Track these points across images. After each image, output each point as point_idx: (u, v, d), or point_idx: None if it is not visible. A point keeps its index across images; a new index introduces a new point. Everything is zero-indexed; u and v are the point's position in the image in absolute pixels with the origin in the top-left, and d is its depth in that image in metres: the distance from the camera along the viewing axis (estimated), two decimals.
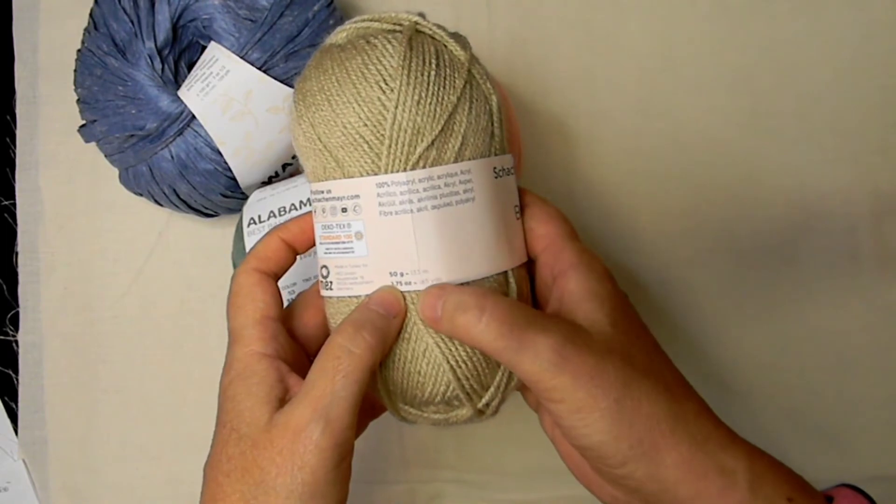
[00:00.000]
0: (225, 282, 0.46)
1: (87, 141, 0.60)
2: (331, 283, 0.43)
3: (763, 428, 0.62)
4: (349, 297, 0.43)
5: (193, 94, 0.56)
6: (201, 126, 0.56)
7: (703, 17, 0.64)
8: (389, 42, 0.42)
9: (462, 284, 0.42)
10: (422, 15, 0.44)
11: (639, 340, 0.43)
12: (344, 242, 0.42)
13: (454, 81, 0.42)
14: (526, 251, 0.45)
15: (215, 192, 0.58)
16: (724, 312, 0.63)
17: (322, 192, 0.43)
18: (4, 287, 0.66)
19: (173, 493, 0.64)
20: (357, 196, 0.41)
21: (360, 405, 0.40)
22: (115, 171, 0.61)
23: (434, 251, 0.41)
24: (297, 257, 0.47)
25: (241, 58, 0.56)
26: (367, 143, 0.41)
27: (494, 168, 0.43)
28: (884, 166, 0.62)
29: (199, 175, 0.57)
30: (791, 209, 0.62)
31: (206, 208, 0.60)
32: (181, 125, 0.56)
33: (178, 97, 0.56)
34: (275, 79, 0.56)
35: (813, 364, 0.62)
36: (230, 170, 0.57)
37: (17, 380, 0.66)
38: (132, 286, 0.65)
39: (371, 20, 0.44)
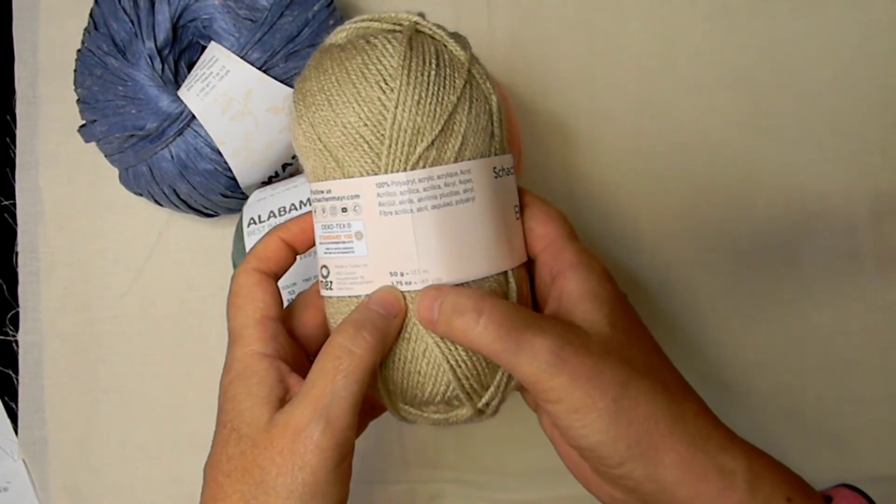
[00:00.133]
0: (225, 282, 0.46)
1: (87, 141, 0.60)
2: (331, 282, 0.43)
3: (763, 428, 0.62)
4: (349, 296, 0.43)
5: (193, 94, 0.56)
6: (201, 126, 0.56)
7: (703, 17, 0.64)
8: (389, 42, 0.42)
9: (462, 284, 0.42)
10: (422, 15, 0.44)
11: (638, 341, 0.43)
12: (344, 242, 0.42)
13: (454, 81, 0.42)
14: (526, 251, 0.45)
15: (215, 192, 0.58)
16: (724, 312, 0.63)
17: (322, 191, 0.43)
18: (4, 287, 0.66)
19: (173, 493, 0.64)
20: (357, 196, 0.41)
21: (361, 405, 0.40)
22: (115, 171, 0.61)
23: (434, 251, 0.41)
24: (297, 257, 0.47)
25: (241, 58, 0.56)
26: (367, 142, 0.41)
27: (494, 168, 0.43)
28: (884, 166, 0.62)
29: (199, 175, 0.57)
30: (791, 209, 0.62)
31: (206, 208, 0.60)
32: (181, 125, 0.56)
33: (178, 97, 0.56)
34: (275, 79, 0.56)
35: (813, 364, 0.62)
36: (230, 170, 0.57)
37: (17, 380, 0.66)
38: (132, 286, 0.65)
39: (371, 20, 0.44)
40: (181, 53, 0.59)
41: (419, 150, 0.41)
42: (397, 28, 0.44)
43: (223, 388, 0.42)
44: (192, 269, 0.65)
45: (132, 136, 0.57)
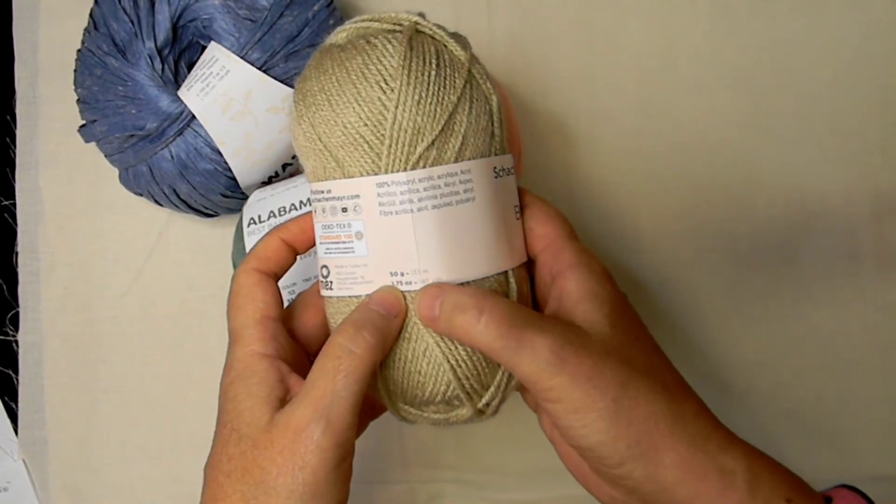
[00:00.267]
0: (225, 282, 0.46)
1: (87, 141, 0.60)
2: (331, 282, 0.43)
3: (763, 428, 0.62)
4: (349, 296, 0.43)
5: (193, 94, 0.56)
6: (201, 126, 0.56)
7: (703, 17, 0.64)
8: (390, 42, 0.42)
9: (462, 284, 0.42)
10: (422, 15, 0.44)
11: (638, 341, 0.43)
12: (344, 242, 0.42)
13: (454, 81, 0.42)
14: (526, 251, 0.45)
15: (215, 192, 0.58)
16: (724, 312, 0.63)
17: (322, 191, 0.43)
18: (4, 287, 0.66)
19: (173, 493, 0.64)
20: (357, 196, 0.41)
21: (361, 405, 0.40)
22: (115, 171, 0.61)
23: (434, 251, 0.41)
24: (297, 257, 0.47)
25: (241, 58, 0.56)
26: (367, 142, 0.41)
27: (494, 168, 0.43)
28: (884, 166, 0.62)
29: (199, 175, 0.57)
30: (791, 209, 0.62)
31: (206, 208, 0.60)
32: (181, 125, 0.56)
33: (178, 97, 0.56)
34: (275, 79, 0.56)
35: (813, 364, 0.62)
36: (230, 170, 0.57)
37: (17, 380, 0.66)
38: (132, 286, 0.65)
39: (371, 20, 0.44)
40: (181, 53, 0.59)
41: (419, 149, 0.41)
42: (397, 28, 0.44)
43: (223, 389, 0.42)
44: (192, 269, 0.65)
45: (132, 136, 0.57)
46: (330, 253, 0.43)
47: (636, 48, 0.64)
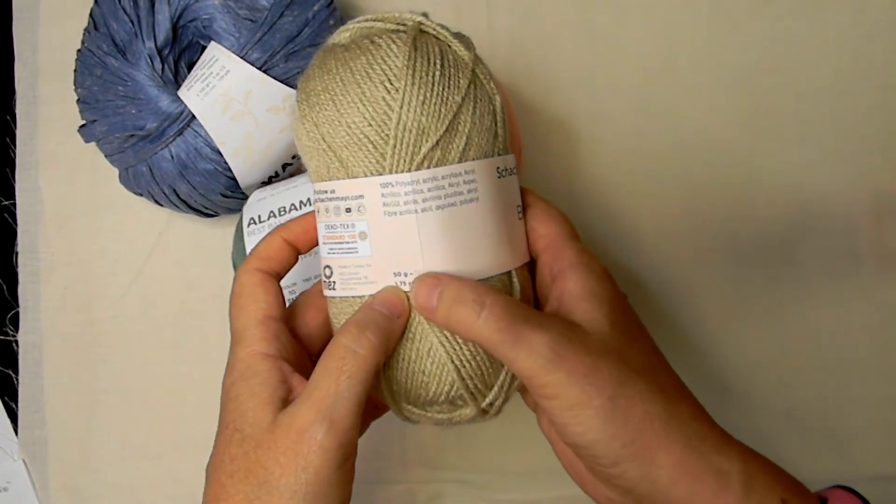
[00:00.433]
0: (225, 282, 0.46)
1: (87, 141, 0.59)
2: (334, 283, 0.43)
3: (761, 428, 0.62)
4: (352, 297, 0.43)
5: (193, 94, 0.56)
6: (201, 126, 0.56)
7: (703, 17, 0.64)
8: (394, 42, 0.42)
9: None
10: (425, 15, 0.44)
11: (636, 341, 0.43)
12: (348, 242, 0.42)
13: (458, 82, 0.42)
14: (528, 251, 0.45)
15: (215, 192, 0.58)
16: (723, 313, 0.63)
17: (326, 191, 0.43)
18: (4, 287, 0.66)
19: (173, 493, 0.64)
20: (361, 196, 0.41)
21: (364, 405, 0.40)
22: (115, 171, 0.61)
23: (438, 251, 0.41)
24: (298, 257, 0.47)
25: (241, 58, 0.56)
26: (371, 143, 0.41)
27: (498, 168, 0.43)
28: (884, 166, 0.62)
29: (199, 175, 0.57)
30: (791, 209, 0.62)
31: (206, 208, 0.60)
32: (181, 125, 0.56)
33: (178, 97, 0.56)
34: (275, 79, 0.56)
35: (812, 364, 0.62)
36: (230, 170, 0.57)
37: (17, 380, 0.66)
38: (132, 286, 0.65)
39: (374, 20, 0.44)
40: (181, 53, 0.59)
41: (424, 150, 0.41)
42: (401, 28, 0.44)
43: (226, 389, 0.42)
44: (192, 269, 0.65)
45: (132, 136, 0.57)
46: (333, 253, 0.43)
47: (636, 48, 0.64)
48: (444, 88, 0.42)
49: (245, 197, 0.59)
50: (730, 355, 0.63)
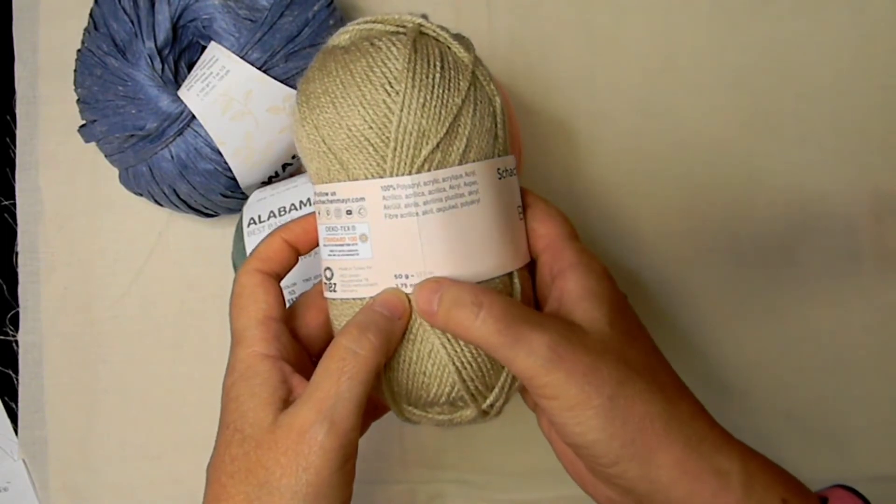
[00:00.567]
0: (225, 282, 0.46)
1: (87, 141, 0.59)
2: (335, 284, 0.43)
3: (761, 428, 0.62)
4: (353, 298, 0.43)
5: (193, 94, 0.56)
6: (201, 126, 0.56)
7: (703, 17, 0.64)
8: (394, 44, 0.42)
9: None
10: (425, 16, 0.44)
11: (636, 341, 0.43)
12: (348, 244, 0.42)
13: (458, 84, 0.42)
14: (529, 251, 0.45)
15: (215, 192, 0.58)
16: (723, 312, 0.63)
17: (326, 194, 0.43)
18: (4, 287, 0.66)
19: (173, 493, 0.64)
20: (362, 199, 0.41)
21: (364, 406, 0.40)
22: (115, 171, 0.61)
23: (440, 253, 0.41)
24: (298, 258, 0.47)
25: (241, 58, 0.56)
26: (372, 145, 0.41)
27: (498, 169, 0.43)
28: (884, 166, 0.62)
29: (199, 175, 0.57)
30: (791, 209, 0.62)
31: (206, 208, 0.60)
32: (181, 125, 0.56)
33: (178, 97, 0.56)
34: (275, 79, 0.56)
35: (812, 364, 0.62)
36: (230, 170, 0.57)
37: (17, 380, 0.66)
38: (132, 286, 0.65)
39: (374, 22, 0.44)
40: (181, 53, 0.59)
41: (424, 152, 0.41)
42: (401, 30, 0.43)
43: (226, 389, 0.42)
44: (192, 269, 0.65)
45: (132, 136, 0.57)
46: (334, 255, 0.43)
47: (636, 48, 0.64)
48: (444, 91, 0.41)
49: (245, 197, 0.59)
50: (730, 355, 0.63)
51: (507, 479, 0.63)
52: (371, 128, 0.41)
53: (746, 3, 0.63)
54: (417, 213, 0.41)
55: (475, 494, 0.63)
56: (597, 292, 0.43)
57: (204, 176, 0.57)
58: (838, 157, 0.62)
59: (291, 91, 0.56)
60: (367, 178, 0.41)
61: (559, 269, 0.44)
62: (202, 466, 0.42)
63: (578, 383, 0.39)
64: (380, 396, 0.44)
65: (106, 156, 0.60)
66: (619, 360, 0.41)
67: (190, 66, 0.59)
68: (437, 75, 0.41)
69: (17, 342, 0.66)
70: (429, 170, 0.41)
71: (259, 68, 0.56)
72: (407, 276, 0.41)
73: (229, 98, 0.56)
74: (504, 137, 0.44)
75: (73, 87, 0.59)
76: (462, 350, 0.42)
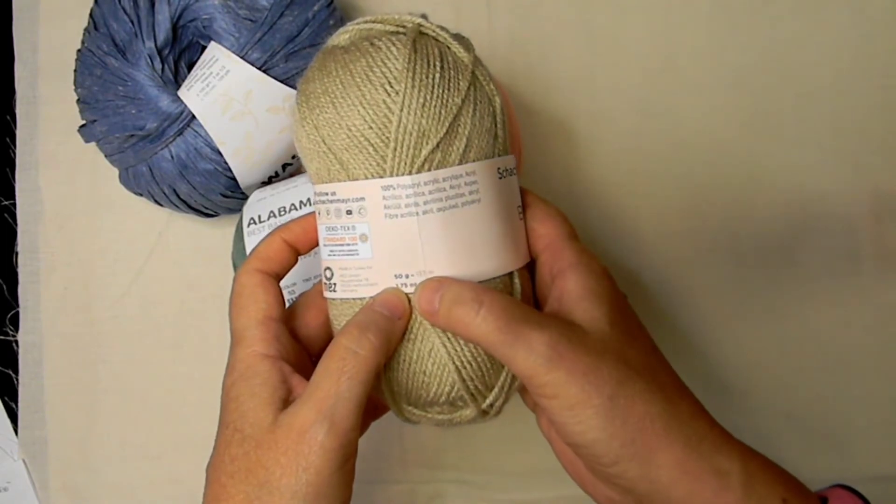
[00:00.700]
0: (225, 282, 0.46)
1: (87, 141, 0.59)
2: (335, 284, 0.43)
3: (762, 428, 0.62)
4: (353, 298, 0.43)
5: (193, 94, 0.56)
6: (201, 126, 0.56)
7: (703, 17, 0.64)
8: (393, 44, 0.42)
9: None
10: (424, 16, 0.44)
11: (636, 341, 0.43)
12: (348, 244, 0.42)
13: (458, 84, 0.42)
14: (529, 251, 0.45)
15: (215, 192, 0.58)
16: (723, 312, 0.63)
17: (326, 193, 0.43)
18: (4, 287, 0.66)
19: (173, 493, 0.64)
20: (362, 199, 0.41)
21: (364, 406, 0.40)
22: (115, 171, 0.61)
23: (440, 253, 0.41)
24: (298, 258, 0.47)
25: (241, 58, 0.56)
26: (372, 145, 0.41)
27: (498, 169, 0.43)
28: (884, 166, 0.62)
29: (199, 175, 0.57)
30: (791, 209, 0.62)
31: (206, 208, 0.60)
32: (181, 125, 0.56)
33: (178, 97, 0.56)
34: (275, 79, 0.56)
35: (812, 364, 0.62)
36: (230, 170, 0.57)
37: (17, 380, 0.66)
38: (132, 286, 0.65)
39: (374, 22, 0.44)
40: (181, 53, 0.59)
41: (424, 152, 0.41)
42: (401, 30, 0.43)
43: (226, 389, 0.42)
44: (192, 269, 0.65)
45: (132, 136, 0.57)
46: (334, 255, 0.43)
47: (636, 48, 0.64)
48: (444, 91, 0.41)
49: (245, 197, 0.59)
50: (730, 355, 0.63)
51: (507, 479, 0.63)
52: (371, 128, 0.41)
53: (746, 3, 0.63)
54: (417, 213, 0.41)
55: (475, 494, 0.63)
56: (597, 292, 0.43)
57: (204, 176, 0.57)
58: (838, 157, 0.62)
59: (291, 91, 0.56)
60: (367, 177, 0.41)
61: (559, 268, 0.44)
62: (202, 466, 0.42)
63: (578, 382, 0.39)
64: (380, 396, 0.44)
65: (106, 156, 0.60)
66: (619, 359, 0.40)
67: (190, 66, 0.59)
68: (437, 75, 0.41)
69: (17, 342, 0.66)
70: (429, 169, 0.41)
71: (259, 68, 0.56)
72: (407, 276, 0.41)
73: (229, 98, 0.56)
74: (504, 137, 0.44)
75: (73, 87, 0.59)
76: (462, 349, 0.42)
